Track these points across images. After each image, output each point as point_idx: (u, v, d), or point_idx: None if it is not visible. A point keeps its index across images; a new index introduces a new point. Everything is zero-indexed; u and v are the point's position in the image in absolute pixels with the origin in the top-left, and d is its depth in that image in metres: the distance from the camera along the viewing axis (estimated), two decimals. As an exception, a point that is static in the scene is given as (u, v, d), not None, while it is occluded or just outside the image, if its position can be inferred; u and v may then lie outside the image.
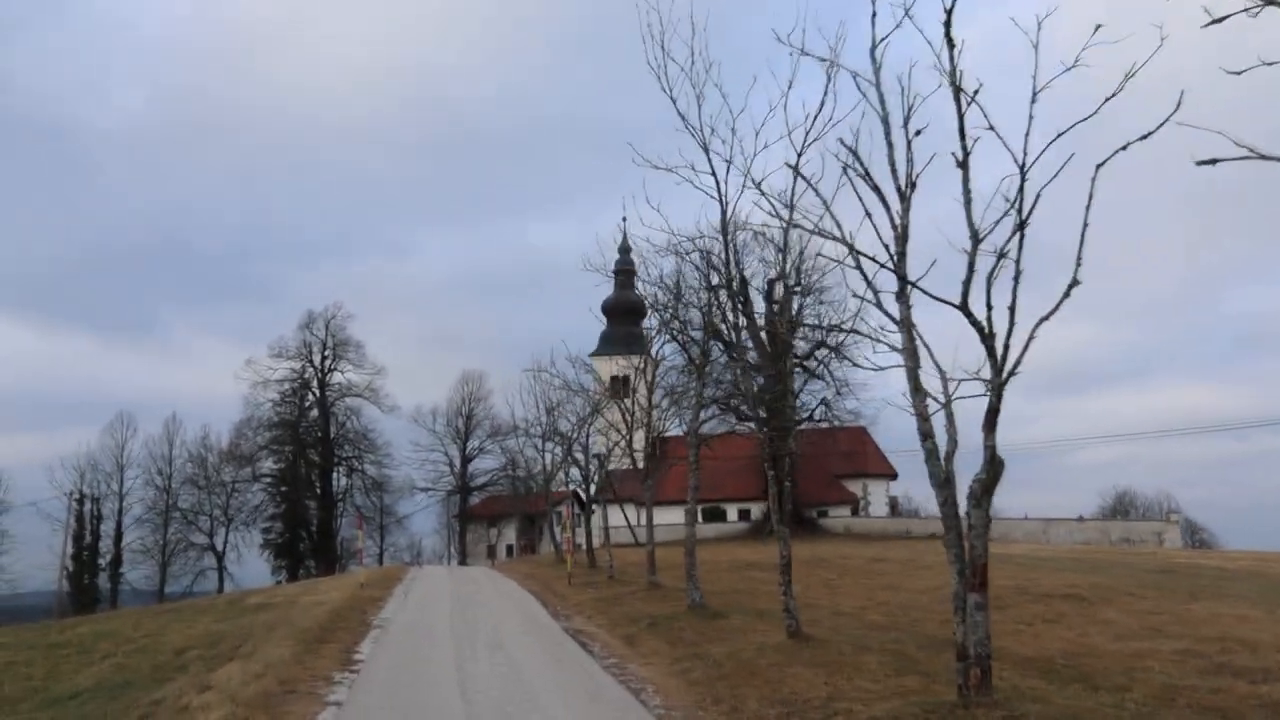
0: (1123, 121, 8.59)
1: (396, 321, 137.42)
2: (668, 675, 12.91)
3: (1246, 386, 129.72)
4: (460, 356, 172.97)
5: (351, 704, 11.08)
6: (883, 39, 10.50)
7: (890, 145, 10.22)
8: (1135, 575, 26.15)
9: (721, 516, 59.87)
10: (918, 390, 9.85)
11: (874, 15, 10.47)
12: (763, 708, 10.36)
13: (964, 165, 8.97)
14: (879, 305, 10.05)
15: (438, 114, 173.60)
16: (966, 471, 9.44)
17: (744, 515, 60.68)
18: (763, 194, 14.88)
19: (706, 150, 15.33)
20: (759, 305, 52.31)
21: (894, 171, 10.20)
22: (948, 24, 9.08)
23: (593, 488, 35.66)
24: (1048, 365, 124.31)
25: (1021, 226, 8.64)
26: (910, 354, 9.85)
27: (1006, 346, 8.93)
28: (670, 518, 55.58)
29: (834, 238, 10.21)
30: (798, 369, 48.37)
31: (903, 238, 10.03)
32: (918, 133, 10.08)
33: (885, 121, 10.29)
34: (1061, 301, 8.80)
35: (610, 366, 47.37)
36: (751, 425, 47.91)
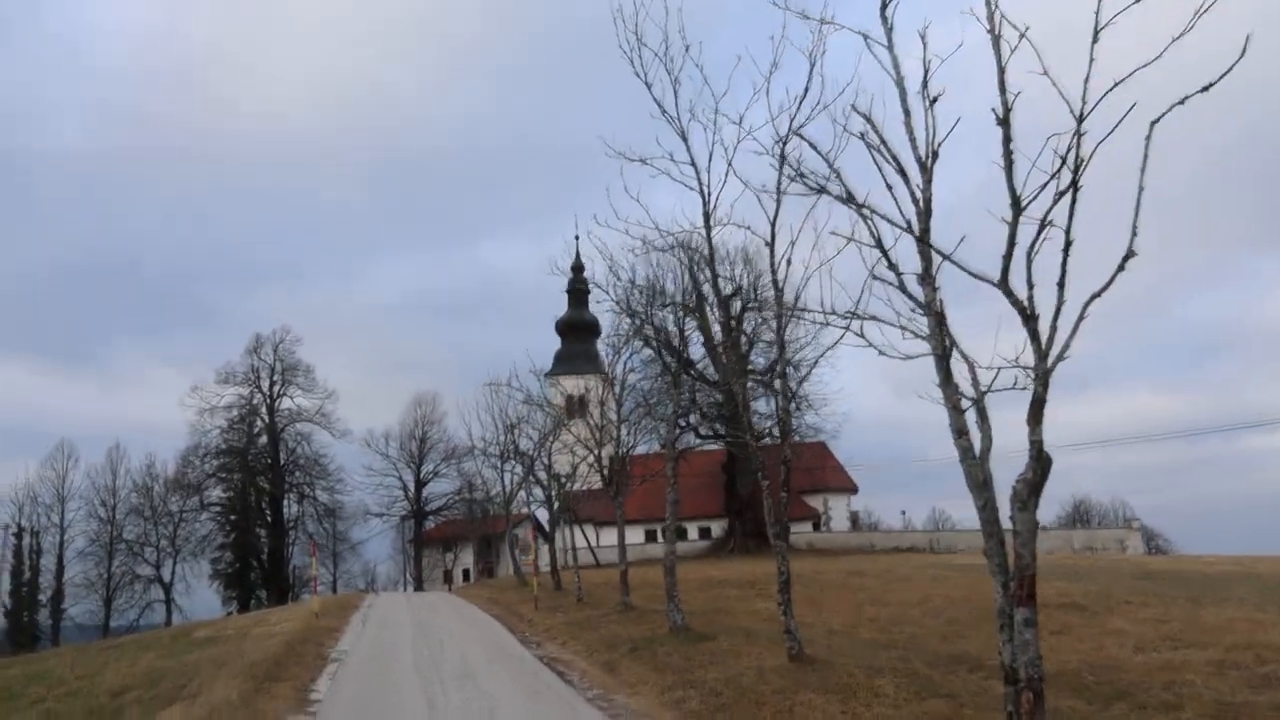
0: (1177, 79, 7.63)
1: (347, 346, 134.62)
2: (660, 706, 11.69)
3: (1200, 393, 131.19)
4: (413, 380, 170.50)
5: (309, 753, 9.75)
6: (896, -6, 9.48)
7: (907, 112, 9.20)
8: (1121, 582, 25.38)
9: (682, 535, 58.89)
10: (948, 381, 8.78)
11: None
12: (779, 743, 9.21)
13: (1005, 122, 7.93)
14: (901, 288, 8.97)
15: (388, 137, 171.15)
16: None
17: (704, 534, 59.67)
18: (744, 184, 13.94)
19: (685, 138, 14.28)
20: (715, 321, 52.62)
21: (912, 141, 9.17)
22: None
23: (555, 507, 34.27)
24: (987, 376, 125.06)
25: (1074, 187, 7.60)
26: (938, 340, 8.78)
27: (1054, 328, 7.89)
28: (629, 537, 54.84)
29: (847, 200, 9.11)
30: (755, 383, 47.64)
31: (926, 212, 8.97)
32: (934, 100, 9.07)
33: (900, 86, 9.28)
34: (1115, 275, 7.78)
35: (567, 385, 46.40)
36: (726, 440, 47.33)
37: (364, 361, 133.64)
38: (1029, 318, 8.05)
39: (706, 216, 14.08)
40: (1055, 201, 7.96)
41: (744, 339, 52.31)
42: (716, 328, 49.80)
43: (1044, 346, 8.01)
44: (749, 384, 16.14)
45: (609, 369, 23.58)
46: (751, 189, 13.73)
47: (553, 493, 32.49)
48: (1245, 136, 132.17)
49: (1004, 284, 8.12)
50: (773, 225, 13.48)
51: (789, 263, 13.12)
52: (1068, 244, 7.80)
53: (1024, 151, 7.97)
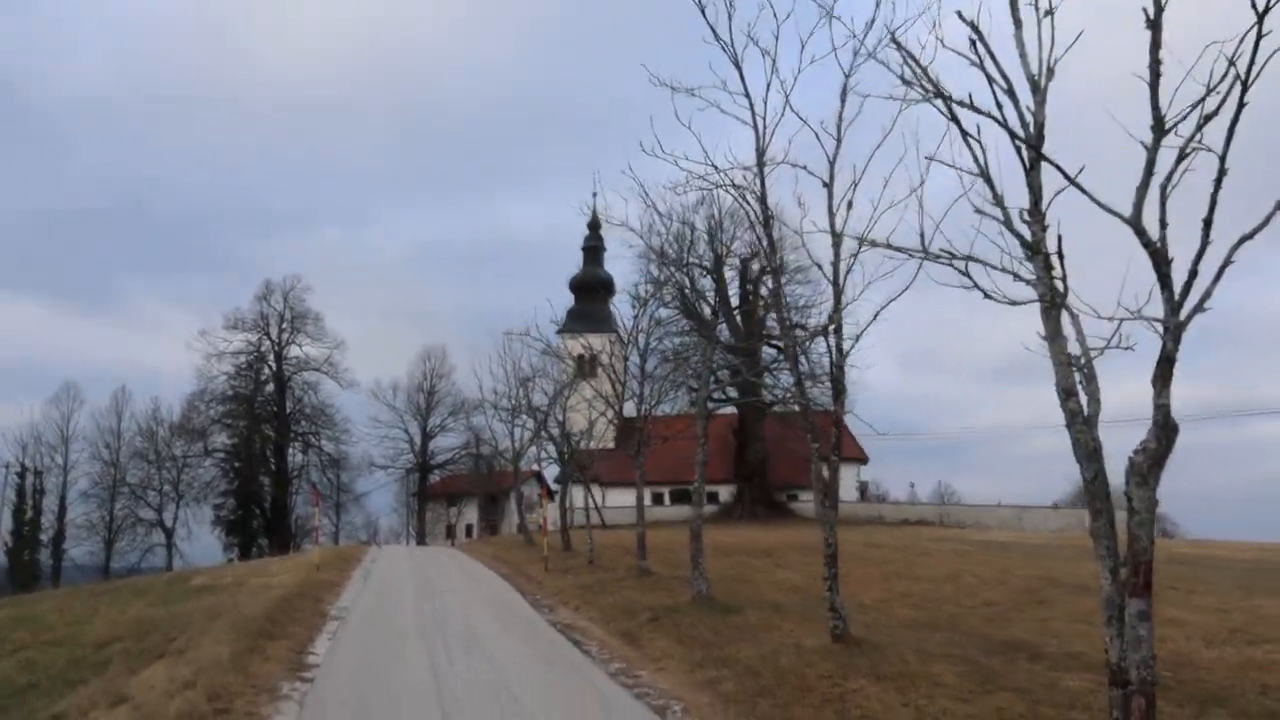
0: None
1: (358, 295, 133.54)
2: (692, 688, 10.56)
3: (1206, 380, 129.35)
4: (423, 332, 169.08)
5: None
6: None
7: (1018, 23, 7.92)
8: (1157, 568, 24.24)
9: (689, 499, 57.74)
10: (1057, 333, 7.55)
11: None
12: (836, 740, 8.10)
13: (1155, 25, 6.65)
14: (1007, 224, 7.72)
15: (406, 87, 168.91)
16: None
17: (712, 498, 58.55)
18: (802, 120, 12.66)
19: (739, 66, 12.93)
20: (735, 286, 51.01)
21: (1023, 57, 7.88)
22: None
23: (566, 463, 33.17)
24: (996, 352, 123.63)
25: (1241, 105, 6.32)
26: (1047, 286, 7.54)
27: (1194, 273, 6.65)
28: (632, 499, 53.48)
29: (943, 95, 7.79)
30: (770, 348, 46.41)
31: (1037, 137, 7.69)
32: (1050, 10, 7.78)
33: (1009, -10, 7.97)
34: (1272, 214, 6.53)
35: (580, 343, 45.37)
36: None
37: (374, 312, 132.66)
38: (1162, 261, 6.82)
39: (760, 154, 12.77)
40: (1201, 125, 6.72)
41: (762, 303, 51.15)
42: (749, 287, 48.47)
43: (1177, 296, 6.79)
44: (796, 343, 14.92)
45: (634, 320, 22.30)
46: (810, 126, 12.52)
47: (564, 450, 31.32)
48: None
49: (1136, 220, 6.88)
50: (831, 165, 12.22)
51: (850, 205, 11.85)
52: (1221, 174, 6.56)
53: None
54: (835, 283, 11.90)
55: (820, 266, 11.99)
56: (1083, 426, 7.41)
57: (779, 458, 56.58)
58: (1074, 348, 7.63)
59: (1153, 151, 6.81)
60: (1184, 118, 6.67)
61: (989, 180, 7.73)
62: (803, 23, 12.32)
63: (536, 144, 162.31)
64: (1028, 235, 7.67)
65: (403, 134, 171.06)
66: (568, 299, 75.28)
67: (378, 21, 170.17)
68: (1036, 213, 7.68)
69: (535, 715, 9.33)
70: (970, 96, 7.50)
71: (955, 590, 18.68)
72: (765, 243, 12.51)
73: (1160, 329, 6.82)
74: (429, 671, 11.38)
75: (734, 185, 12.96)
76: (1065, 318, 7.55)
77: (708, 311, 23.26)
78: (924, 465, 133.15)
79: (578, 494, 37.27)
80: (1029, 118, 7.78)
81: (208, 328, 69.57)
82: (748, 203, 12.74)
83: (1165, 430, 6.88)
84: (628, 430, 53.43)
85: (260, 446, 70.27)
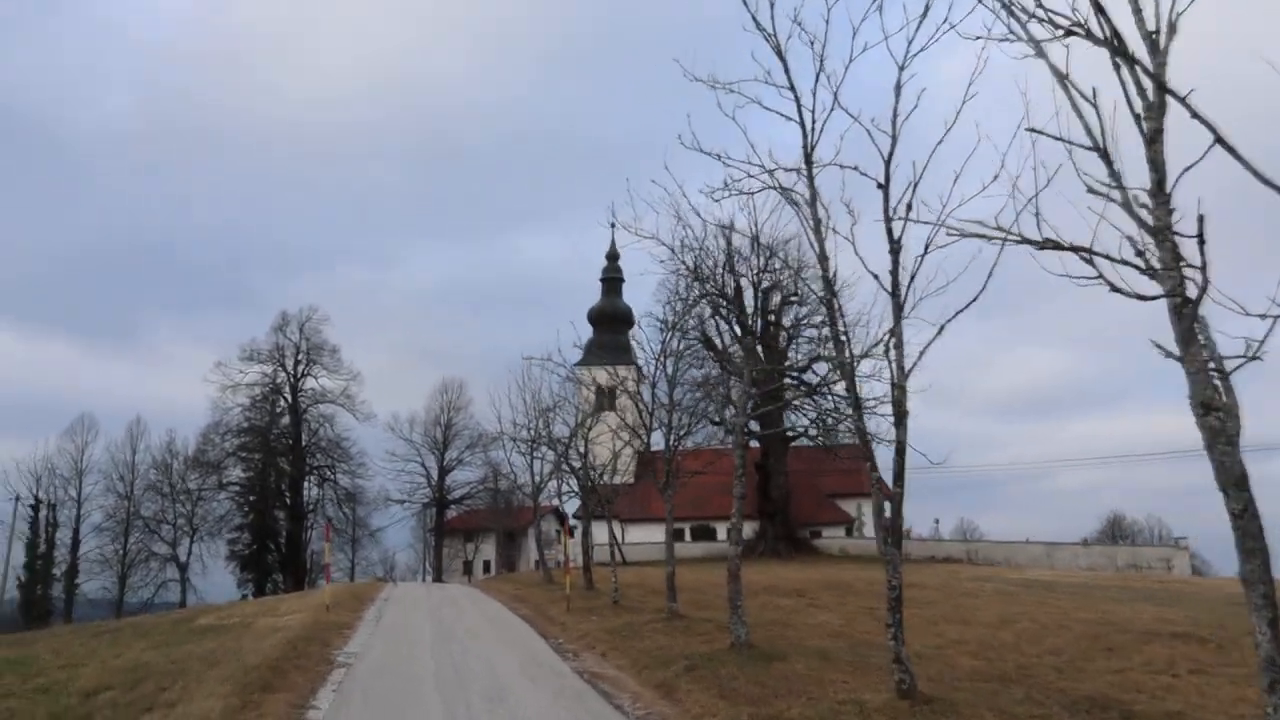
0: None
1: (377, 332, 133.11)
2: (741, 751, 9.26)
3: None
4: (440, 368, 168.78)
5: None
6: None
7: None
8: (1216, 608, 22.65)
9: (710, 535, 56.66)
10: (1190, 336, 6.32)
11: None
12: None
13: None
14: (1127, 207, 6.51)
15: (426, 126, 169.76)
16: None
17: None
18: (852, 116, 11.52)
19: (782, 56, 11.80)
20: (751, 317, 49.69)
21: (1137, 14, 6.71)
22: None
23: (590, 498, 31.89)
24: (1018, 388, 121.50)
25: None
26: (1176, 279, 6.31)
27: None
28: (652, 535, 52.59)
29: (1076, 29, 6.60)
30: (793, 383, 44.96)
31: (1159, 106, 6.50)
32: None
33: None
34: None
35: (599, 375, 44.43)
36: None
37: (393, 348, 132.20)
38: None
39: (808, 152, 11.59)
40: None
41: (783, 334, 49.81)
42: (770, 318, 47.02)
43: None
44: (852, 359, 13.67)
45: (662, 344, 21.05)
46: (861, 123, 11.37)
47: (588, 483, 30.03)
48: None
49: (1300, 197, 5.67)
50: (887, 164, 11.05)
51: (909, 207, 10.66)
52: None
53: None
54: (895, 293, 10.68)
55: (877, 276, 10.74)
56: (1226, 447, 6.15)
57: (801, 493, 55.19)
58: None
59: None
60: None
61: (1105, 154, 6.53)
62: (854, 6, 11.19)
63: (554, 177, 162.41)
64: (1149, 220, 6.45)
65: (423, 171, 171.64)
66: (587, 331, 74.55)
67: (400, 55, 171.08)
68: (1160, 193, 6.46)
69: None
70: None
71: (1015, 637, 17.24)
72: (817, 249, 11.26)
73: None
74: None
75: (780, 187, 11.76)
76: (1199, 315, 6.31)
77: (734, 340, 22.04)
78: (943, 502, 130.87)
79: (598, 530, 35.92)
80: (1146, 82, 6.60)
81: (223, 359, 68.86)
82: (797, 206, 11.53)
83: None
84: (646, 464, 52.34)
85: (275, 480, 69.31)
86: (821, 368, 39.36)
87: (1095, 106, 6.49)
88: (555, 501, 46.62)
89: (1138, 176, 6.49)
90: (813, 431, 49.03)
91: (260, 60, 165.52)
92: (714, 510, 55.56)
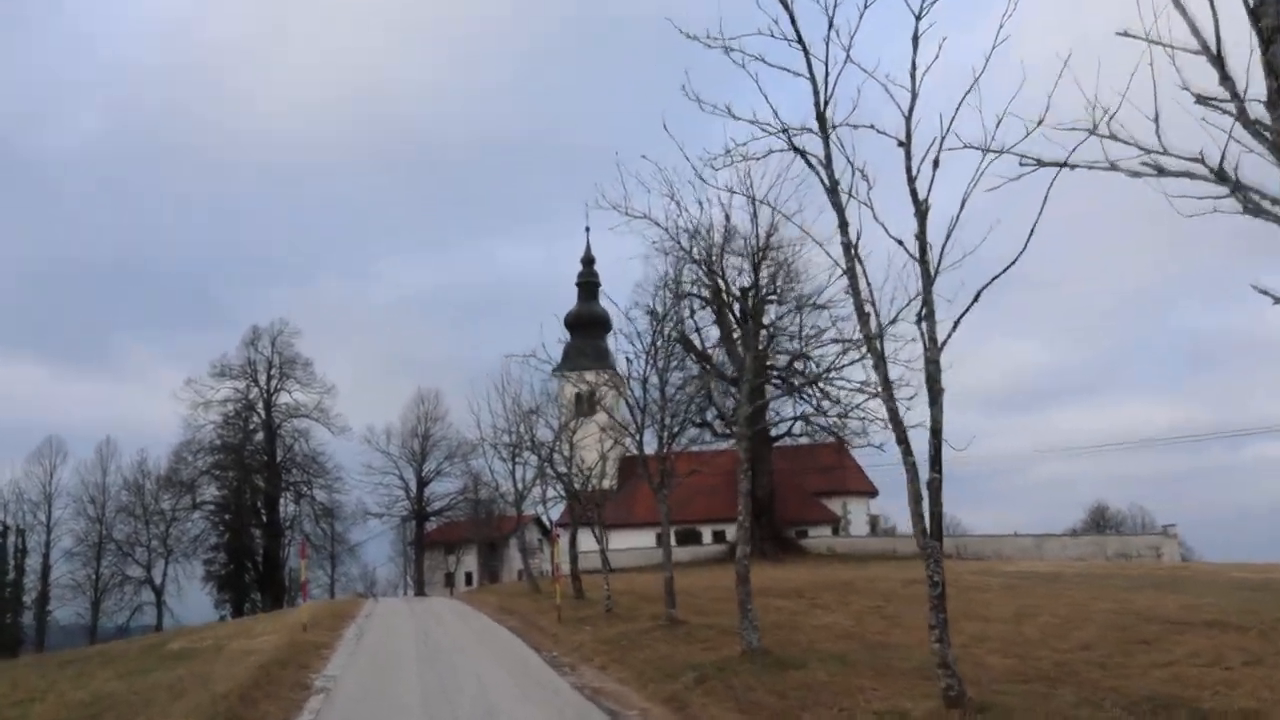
0: None
1: (352, 343, 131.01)
2: (775, 776, 8.14)
3: (1198, 401, 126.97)
4: (417, 379, 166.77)
5: None
6: None
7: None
8: (1230, 594, 21.79)
9: (696, 539, 55.62)
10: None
11: None
12: None
13: None
14: (1242, 118, 5.45)
15: (399, 133, 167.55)
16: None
17: (718, 537, 55.87)
18: (866, 72, 10.50)
19: (789, 7, 10.72)
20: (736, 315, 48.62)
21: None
22: None
23: (577, 504, 30.69)
24: (996, 381, 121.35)
25: None
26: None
27: None
28: (636, 541, 51.52)
29: None
30: (778, 382, 43.92)
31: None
32: None
33: None
34: None
35: (576, 380, 43.34)
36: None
37: (367, 359, 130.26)
38: None
39: (820, 108, 10.51)
40: None
41: (764, 332, 48.64)
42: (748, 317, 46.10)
43: None
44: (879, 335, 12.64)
45: (652, 338, 19.95)
46: (876, 78, 10.35)
47: (575, 487, 28.83)
48: None
49: None
50: (908, 120, 10.01)
51: (936, 164, 9.63)
52: None
53: None
54: (923, 259, 9.63)
55: (901, 242, 9.68)
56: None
57: (785, 492, 54.26)
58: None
59: None
60: None
61: (1218, 57, 5.46)
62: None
63: (532, 187, 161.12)
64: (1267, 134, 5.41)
65: (396, 181, 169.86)
66: (564, 336, 73.22)
67: (370, 67, 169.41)
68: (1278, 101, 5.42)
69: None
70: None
71: (1039, 632, 16.21)
72: (838, 216, 10.19)
73: None
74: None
75: (793, 148, 10.68)
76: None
77: (749, 316, 20.89)
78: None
79: (583, 536, 34.70)
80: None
81: (194, 376, 67.12)
82: (812, 168, 10.44)
83: None
84: (629, 470, 51.15)
85: (251, 498, 67.62)
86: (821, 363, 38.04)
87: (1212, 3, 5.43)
88: (538, 509, 45.41)
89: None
90: (821, 421, 47.43)
91: (229, 74, 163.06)
92: (699, 514, 54.60)
